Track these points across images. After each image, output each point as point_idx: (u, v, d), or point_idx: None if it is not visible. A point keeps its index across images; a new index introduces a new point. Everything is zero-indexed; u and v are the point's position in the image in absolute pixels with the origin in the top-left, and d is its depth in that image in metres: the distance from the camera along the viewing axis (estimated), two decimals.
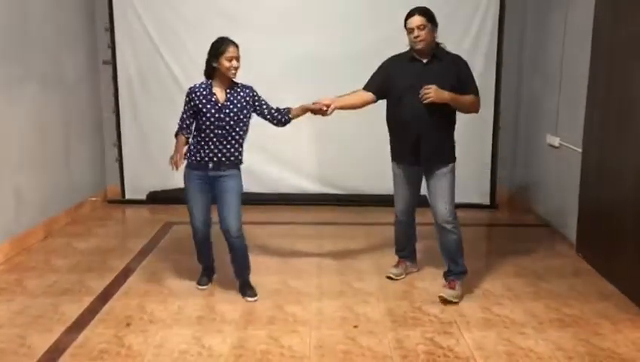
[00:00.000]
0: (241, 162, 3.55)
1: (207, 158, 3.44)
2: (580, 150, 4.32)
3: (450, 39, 5.40)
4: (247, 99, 3.48)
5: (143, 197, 5.83)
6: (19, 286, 3.73)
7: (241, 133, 3.48)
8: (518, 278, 3.94)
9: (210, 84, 3.48)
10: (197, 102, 3.42)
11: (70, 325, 3.21)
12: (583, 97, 4.22)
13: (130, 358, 2.87)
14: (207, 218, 3.60)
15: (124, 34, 5.58)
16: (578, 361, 2.88)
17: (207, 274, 3.80)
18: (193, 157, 3.49)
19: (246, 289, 3.59)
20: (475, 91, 3.51)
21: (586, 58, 4.18)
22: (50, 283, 3.77)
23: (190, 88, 3.50)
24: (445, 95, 3.36)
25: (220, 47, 3.39)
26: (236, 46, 3.42)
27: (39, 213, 4.66)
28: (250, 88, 3.55)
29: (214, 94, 3.44)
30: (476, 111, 3.60)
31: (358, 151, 5.57)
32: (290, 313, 3.39)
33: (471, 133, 5.63)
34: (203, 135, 3.43)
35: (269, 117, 3.58)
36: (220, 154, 3.43)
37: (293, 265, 4.17)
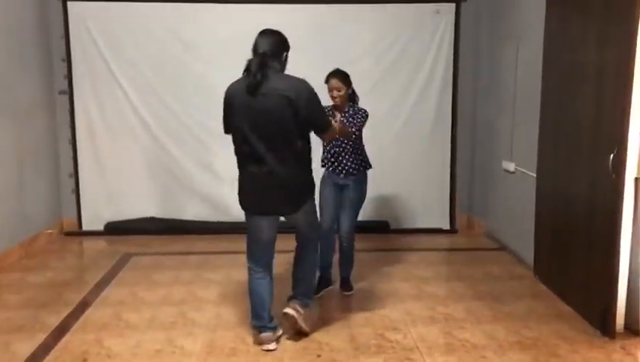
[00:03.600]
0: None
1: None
2: (534, 175, 4.45)
3: (407, 67, 5.62)
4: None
5: (101, 228, 5.72)
6: None
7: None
8: (478, 302, 3.99)
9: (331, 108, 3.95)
10: None
11: None
12: (536, 123, 4.36)
13: None
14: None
15: (82, 64, 5.52)
16: None
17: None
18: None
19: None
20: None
21: (537, 85, 4.32)
22: (2, 321, 3.64)
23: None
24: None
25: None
26: (335, 78, 3.87)
27: None
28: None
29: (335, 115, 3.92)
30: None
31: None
32: (252, 343, 3.35)
33: (430, 160, 5.76)
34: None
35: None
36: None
37: None
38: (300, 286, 3.53)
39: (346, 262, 4.18)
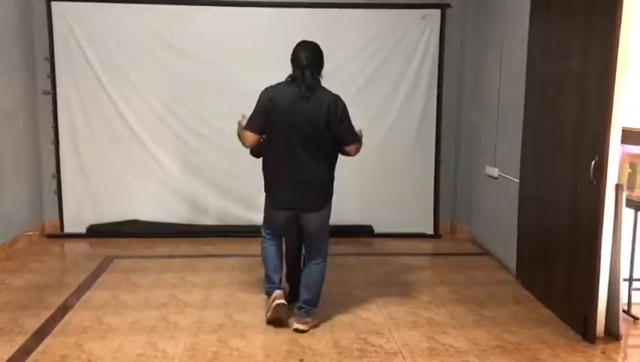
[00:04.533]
0: None
1: None
2: (517, 180, 4.48)
3: (392, 73, 5.64)
4: None
5: (83, 230, 5.66)
6: None
7: None
8: (461, 306, 4.01)
9: None
10: None
11: None
12: (519, 129, 4.40)
13: None
14: None
15: (65, 64, 5.47)
16: None
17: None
18: None
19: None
20: None
21: (521, 92, 4.36)
22: None
23: None
24: None
25: None
26: None
27: None
28: None
29: None
30: None
31: None
32: (235, 347, 3.33)
33: (414, 165, 5.79)
34: None
35: None
36: None
37: (238, 298, 4.11)
38: (307, 294, 3.61)
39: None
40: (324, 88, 3.51)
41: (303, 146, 3.42)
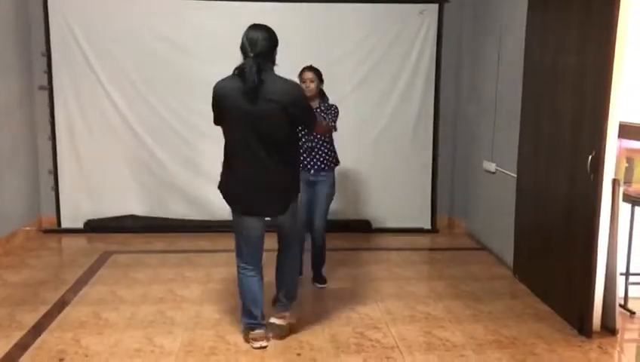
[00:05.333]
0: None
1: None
2: (514, 175, 4.48)
3: (390, 67, 5.63)
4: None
5: (81, 225, 5.65)
6: None
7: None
8: (458, 301, 4.01)
9: None
10: None
11: None
12: (516, 124, 4.40)
13: None
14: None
15: (62, 59, 5.45)
16: None
17: None
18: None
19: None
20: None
21: (518, 86, 4.36)
22: None
23: None
24: None
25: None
26: (309, 70, 3.98)
27: None
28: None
29: None
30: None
31: None
32: (233, 343, 3.33)
33: (412, 159, 5.79)
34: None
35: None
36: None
37: (235, 293, 4.10)
38: (283, 288, 3.50)
39: (319, 257, 4.25)
40: (279, 78, 3.13)
41: (258, 146, 3.08)
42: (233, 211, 3.28)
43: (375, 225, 5.82)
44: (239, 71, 3.07)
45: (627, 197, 3.55)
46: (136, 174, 5.67)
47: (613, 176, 3.36)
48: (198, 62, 5.46)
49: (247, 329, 3.33)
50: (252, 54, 3.04)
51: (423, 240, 5.68)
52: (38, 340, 3.32)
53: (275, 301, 3.55)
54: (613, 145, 3.31)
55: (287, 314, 3.46)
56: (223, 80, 3.18)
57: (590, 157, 3.35)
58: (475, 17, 5.52)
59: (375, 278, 4.46)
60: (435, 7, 5.62)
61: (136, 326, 3.53)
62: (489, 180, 5.16)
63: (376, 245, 5.45)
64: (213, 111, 3.23)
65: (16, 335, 3.36)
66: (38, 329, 3.47)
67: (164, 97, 5.56)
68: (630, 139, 3.62)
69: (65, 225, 5.68)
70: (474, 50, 5.55)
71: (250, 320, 3.32)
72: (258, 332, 3.29)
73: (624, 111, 3.37)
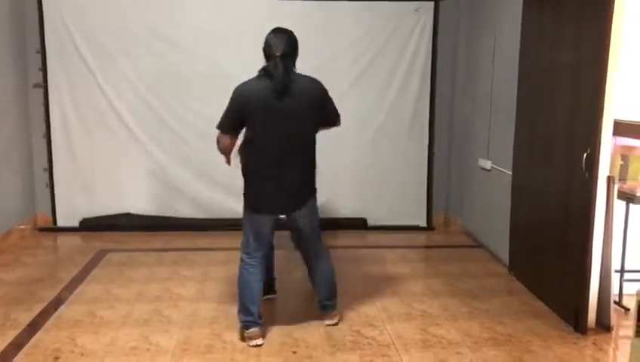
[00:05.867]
0: None
1: None
2: (510, 173, 4.49)
3: (386, 65, 5.63)
4: None
5: (76, 224, 5.64)
6: None
7: None
8: (454, 298, 4.02)
9: None
10: None
11: None
12: (512, 121, 4.40)
13: None
14: None
15: (57, 56, 5.43)
16: None
17: None
18: None
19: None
20: None
21: (514, 84, 4.36)
22: None
23: None
24: None
25: None
26: None
27: None
28: None
29: None
30: None
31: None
32: (229, 340, 3.33)
33: (408, 157, 5.80)
34: None
35: None
36: None
37: (232, 291, 4.11)
38: (326, 292, 3.57)
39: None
40: (303, 75, 3.24)
41: (286, 146, 3.18)
42: (251, 209, 3.31)
43: (371, 222, 5.82)
44: (265, 71, 3.15)
45: (622, 195, 3.56)
46: (131, 172, 5.65)
47: (608, 174, 3.37)
48: (194, 58, 5.45)
49: (243, 329, 3.33)
50: (278, 54, 3.12)
51: (419, 238, 5.68)
52: (34, 339, 3.31)
53: (322, 306, 3.59)
54: (608, 142, 3.32)
55: (336, 312, 3.60)
56: (245, 83, 3.22)
57: (585, 154, 3.36)
58: (471, 15, 5.52)
59: (371, 276, 4.46)
60: (430, 4, 5.62)
61: (131, 324, 3.53)
62: (485, 178, 5.17)
63: (372, 243, 5.45)
64: (229, 115, 3.23)
65: (12, 334, 3.35)
66: (33, 327, 3.46)
67: (161, 95, 5.54)
68: (625, 136, 3.63)
69: (60, 223, 5.67)
70: (469, 47, 5.56)
71: (247, 317, 3.31)
72: (254, 330, 3.29)
73: (619, 108, 3.38)
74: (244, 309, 3.33)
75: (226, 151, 3.34)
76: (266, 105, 3.12)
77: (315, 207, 3.42)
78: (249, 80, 3.21)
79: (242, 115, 3.19)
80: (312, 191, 3.38)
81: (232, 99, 3.22)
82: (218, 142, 3.31)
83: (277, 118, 3.13)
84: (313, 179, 3.37)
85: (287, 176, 3.21)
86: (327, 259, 3.58)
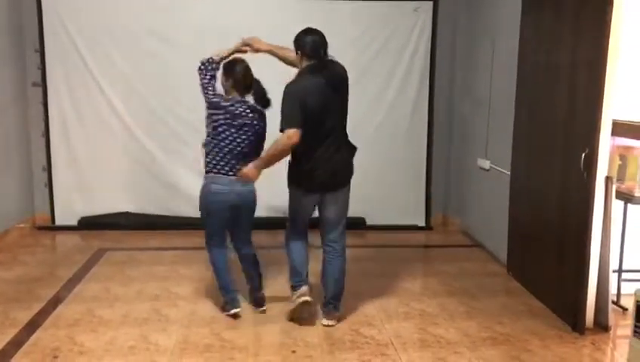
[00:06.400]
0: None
1: None
2: (508, 173, 4.50)
3: (384, 66, 5.63)
4: None
5: (75, 223, 5.64)
6: None
7: None
8: (452, 298, 4.03)
9: None
10: None
11: None
12: (510, 121, 4.41)
13: None
14: None
15: (55, 55, 5.43)
16: None
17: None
18: None
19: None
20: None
21: (512, 84, 4.37)
22: None
23: None
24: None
25: None
26: None
27: None
28: None
29: None
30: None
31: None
32: (228, 339, 3.34)
33: (406, 157, 5.80)
34: None
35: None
36: None
37: None
38: (334, 289, 3.59)
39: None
40: (335, 62, 3.51)
41: (335, 127, 3.48)
42: (302, 189, 3.52)
43: (370, 222, 5.82)
44: (315, 68, 3.39)
45: (620, 195, 3.57)
46: (130, 171, 5.65)
47: (606, 174, 3.37)
48: (192, 57, 5.42)
49: (294, 289, 3.58)
50: (323, 52, 3.43)
51: (418, 238, 5.69)
52: (33, 337, 3.31)
53: (326, 303, 3.60)
54: (606, 142, 3.33)
55: (337, 314, 3.61)
56: (294, 82, 3.38)
57: (583, 154, 3.36)
58: (469, 15, 5.53)
59: (370, 275, 4.47)
60: (429, 4, 5.63)
61: (130, 323, 3.53)
62: (483, 177, 5.18)
63: (371, 242, 5.45)
64: (295, 111, 3.31)
65: (11, 333, 3.35)
66: (32, 326, 3.46)
67: (159, 93, 5.54)
68: (623, 136, 3.63)
69: (59, 222, 5.67)
70: (468, 47, 5.56)
71: (299, 278, 3.60)
72: (305, 288, 3.57)
73: (617, 108, 3.38)
74: (295, 273, 3.61)
75: (290, 149, 3.40)
76: (325, 97, 3.38)
77: (348, 195, 3.62)
78: (296, 79, 3.41)
79: (304, 108, 3.33)
80: (352, 170, 3.61)
81: (290, 97, 3.33)
82: (278, 143, 3.35)
83: (334, 107, 3.43)
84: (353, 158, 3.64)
85: (341, 157, 3.51)
86: (344, 260, 3.65)
